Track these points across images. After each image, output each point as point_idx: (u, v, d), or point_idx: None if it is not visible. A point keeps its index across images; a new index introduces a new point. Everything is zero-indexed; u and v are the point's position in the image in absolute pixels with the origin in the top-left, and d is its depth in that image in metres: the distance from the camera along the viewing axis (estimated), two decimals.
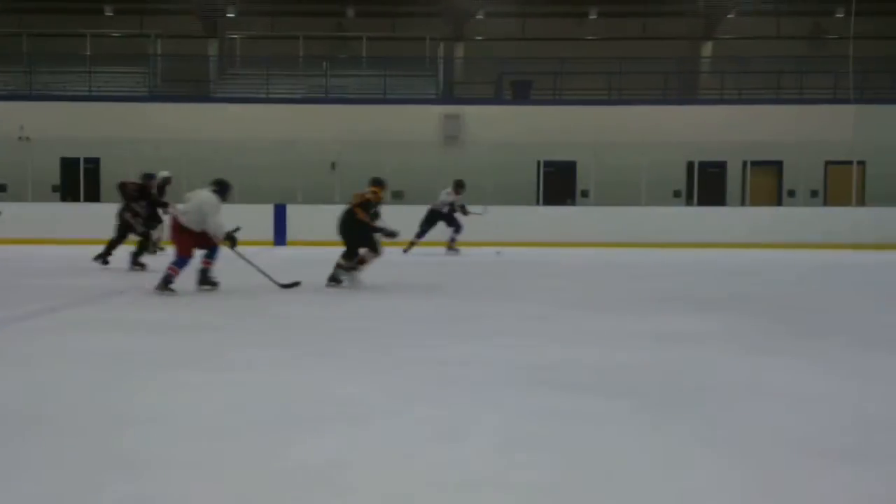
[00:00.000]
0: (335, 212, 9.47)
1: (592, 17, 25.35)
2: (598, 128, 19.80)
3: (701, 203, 19.05)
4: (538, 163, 19.49)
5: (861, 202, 18.65)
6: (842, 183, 18.98)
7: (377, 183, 9.49)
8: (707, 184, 19.61)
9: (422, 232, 14.62)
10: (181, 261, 8.45)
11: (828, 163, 19.98)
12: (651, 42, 25.03)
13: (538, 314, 7.44)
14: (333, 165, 19.13)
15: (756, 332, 6.57)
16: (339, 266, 9.23)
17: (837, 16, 24.04)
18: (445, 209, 14.68)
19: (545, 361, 5.25)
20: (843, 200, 18.64)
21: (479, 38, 26.00)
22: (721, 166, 20.33)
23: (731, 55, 23.62)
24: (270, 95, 21.49)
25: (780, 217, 17.99)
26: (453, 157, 19.60)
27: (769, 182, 20.22)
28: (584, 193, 19.94)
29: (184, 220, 8.41)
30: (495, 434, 3.62)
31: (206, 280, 8.72)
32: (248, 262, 8.89)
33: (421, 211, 14.72)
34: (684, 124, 19.93)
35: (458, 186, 14.69)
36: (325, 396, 4.28)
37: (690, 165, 19.47)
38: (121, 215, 11.68)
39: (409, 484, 3.00)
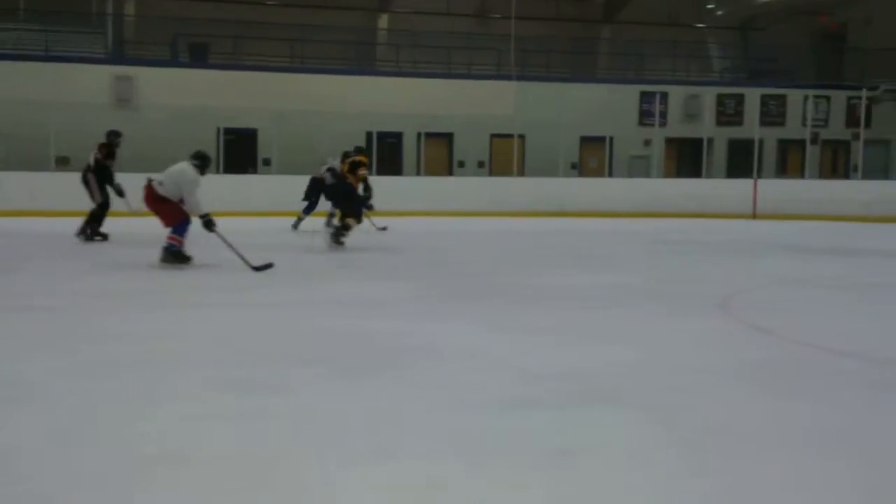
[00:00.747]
0: None
1: None
2: (279, 95, 19.78)
3: (380, 173, 19.77)
4: (218, 129, 19.09)
5: (521, 173, 20.41)
6: (505, 155, 20.61)
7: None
8: (386, 154, 20.40)
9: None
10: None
11: (493, 136, 21.61)
12: (331, 11, 25.32)
13: (228, 285, 7.47)
14: None
15: (431, 295, 7.11)
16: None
17: None
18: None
19: (225, 332, 5.35)
20: (506, 171, 20.27)
21: None
22: (398, 137, 21.23)
23: (405, 29, 24.59)
24: None
25: (451, 186, 19.18)
26: (126, 121, 18.61)
27: (442, 153, 21.48)
28: (266, 162, 19.88)
29: (161, 189, 8.33)
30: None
31: (173, 255, 8.42)
32: (225, 241, 8.31)
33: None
34: (363, 95, 20.49)
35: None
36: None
37: (369, 135, 20.10)
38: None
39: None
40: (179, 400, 3.82)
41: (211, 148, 19.09)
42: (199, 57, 22.05)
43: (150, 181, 8.50)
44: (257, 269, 8.23)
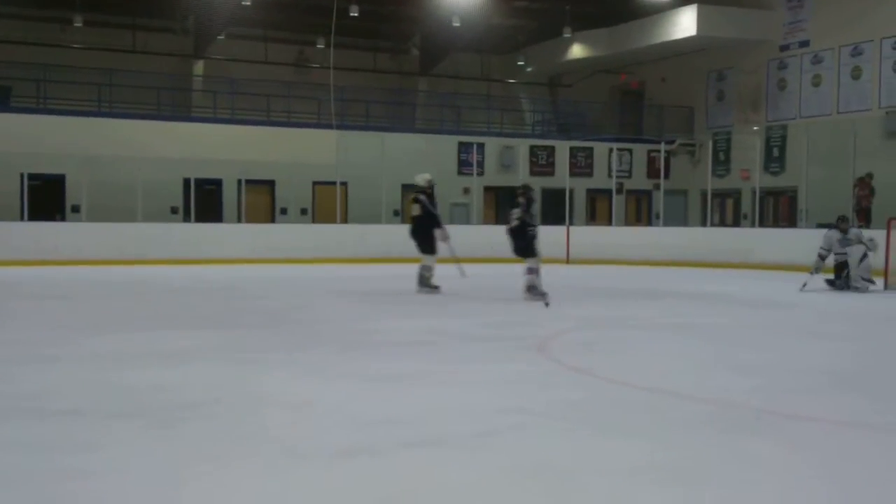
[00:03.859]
0: None
1: (78, 24, 24.17)
2: (88, 140, 19.00)
3: (198, 220, 19.29)
4: (22, 175, 18.03)
5: (345, 220, 20.47)
6: (328, 202, 20.63)
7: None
8: (204, 201, 19.95)
9: None
10: None
11: (315, 183, 21.59)
12: (142, 56, 24.68)
13: (39, 338, 7.07)
14: None
15: (254, 345, 6.99)
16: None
17: (319, 46, 26.05)
18: None
19: (34, 388, 5.10)
20: (329, 218, 20.26)
21: None
22: (217, 184, 20.83)
23: (222, 75, 24.27)
24: None
25: (273, 233, 18.96)
26: None
27: (263, 200, 21.22)
28: (75, 209, 18.95)
29: None
30: None
31: None
32: None
33: None
34: (179, 141, 20.01)
35: None
36: None
37: (187, 182, 19.61)
38: None
39: None
40: None
41: (14, 195, 18.05)
42: (0, 100, 20.85)
43: None
44: None
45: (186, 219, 19.74)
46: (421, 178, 12.00)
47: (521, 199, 10.97)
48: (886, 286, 12.38)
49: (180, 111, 23.44)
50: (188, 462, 3.64)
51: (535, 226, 10.87)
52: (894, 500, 3.38)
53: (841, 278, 12.33)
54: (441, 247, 11.74)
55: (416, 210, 11.74)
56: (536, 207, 12.06)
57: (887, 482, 3.55)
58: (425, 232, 11.56)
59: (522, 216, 10.78)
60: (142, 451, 3.80)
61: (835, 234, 12.27)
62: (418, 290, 11.46)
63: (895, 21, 20.33)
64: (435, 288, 11.51)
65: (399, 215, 22.19)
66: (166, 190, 19.59)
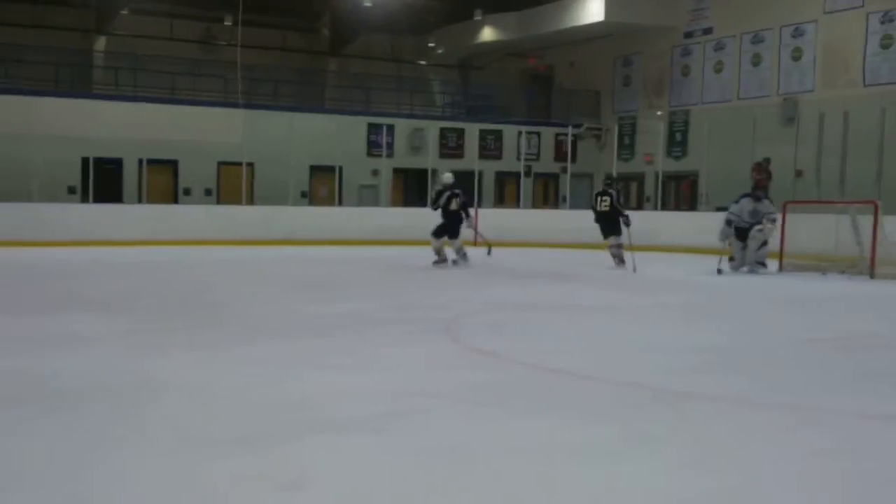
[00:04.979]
0: None
1: None
2: None
3: (97, 200, 18.69)
4: None
5: (251, 201, 20.11)
6: (233, 182, 20.23)
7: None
8: (104, 181, 19.33)
9: None
10: None
11: (220, 163, 21.14)
12: (41, 30, 23.70)
13: None
14: None
15: (153, 328, 6.82)
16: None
17: (227, 23, 25.45)
18: None
19: None
20: (234, 199, 19.88)
21: None
22: (117, 163, 20.19)
23: (125, 51, 23.51)
24: None
25: (176, 214, 18.49)
26: None
27: (166, 180, 20.68)
28: None
29: None
30: None
31: None
32: None
33: None
34: (79, 118, 19.29)
35: None
36: None
37: (86, 161, 18.96)
38: None
39: None
40: None
41: None
42: None
43: None
44: None
45: (84, 199, 19.11)
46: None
47: (611, 191, 13.62)
48: (781, 268, 12.85)
49: (80, 87, 22.59)
50: (84, 449, 3.53)
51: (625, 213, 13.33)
52: (785, 475, 3.49)
53: (740, 252, 12.66)
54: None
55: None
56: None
57: (778, 459, 3.68)
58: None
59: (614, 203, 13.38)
60: (36, 438, 3.67)
61: (747, 204, 12.61)
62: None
63: (795, 9, 20.95)
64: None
65: (306, 197, 21.94)
66: (64, 169, 18.90)
